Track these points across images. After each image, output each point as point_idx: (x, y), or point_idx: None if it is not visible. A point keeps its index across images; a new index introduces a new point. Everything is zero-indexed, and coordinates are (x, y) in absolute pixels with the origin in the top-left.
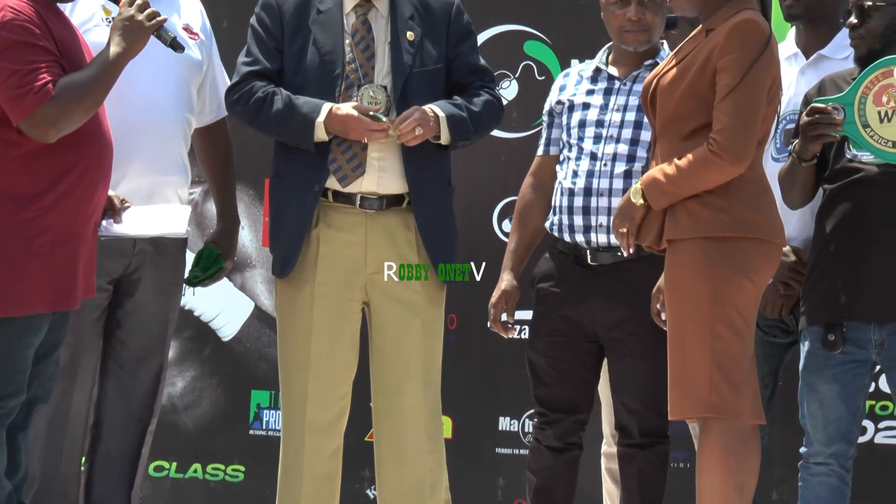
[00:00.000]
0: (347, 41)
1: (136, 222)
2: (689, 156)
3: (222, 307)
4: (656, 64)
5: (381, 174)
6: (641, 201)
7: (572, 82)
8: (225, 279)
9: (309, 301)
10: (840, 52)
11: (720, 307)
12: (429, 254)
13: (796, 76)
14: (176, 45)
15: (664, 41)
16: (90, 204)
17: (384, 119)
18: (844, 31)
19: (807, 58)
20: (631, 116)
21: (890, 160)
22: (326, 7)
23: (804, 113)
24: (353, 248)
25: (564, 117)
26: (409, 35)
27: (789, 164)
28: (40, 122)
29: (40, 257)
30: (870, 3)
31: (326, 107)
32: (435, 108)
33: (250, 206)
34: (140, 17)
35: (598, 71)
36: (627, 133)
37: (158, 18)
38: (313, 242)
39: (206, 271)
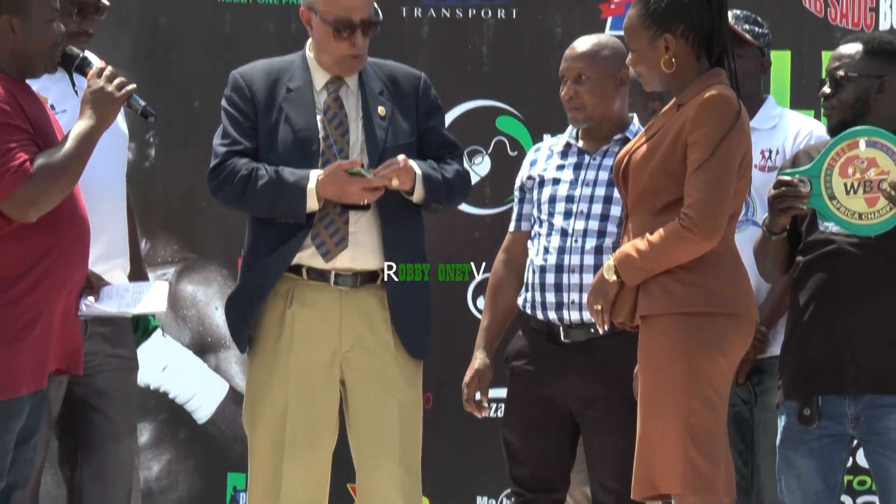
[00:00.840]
0: (320, 118)
1: (116, 301)
2: (661, 231)
3: (197, 389)
4: (626, 139)
5: (356, 249)
6: (615, 277)
7: (543, 157)
8: (199, 360)
9: (283, 382)
10: (768, 122)
11: (695, 382)
12: (398, 332)
13: None
14: (147, 114)
15: (634, 114)
16: (68, 283)
17: (369, 175)
18: (770, 102)
19: None
20: (601, 192)
21: (857, 232)
22: (296, 85)
23: (772, 186)
24: (328, 327)
25: (535, 192)
26: (381, 110)
27: (761, 239)
28: (20, 201)
29: (22, 339)
30: (842, 74)
31: (314, 173)
32: (413, 164)
33: (223, 287)
34: (110, 87)
35: (568, 146)
36: (597, 208)
37: (128, 88)
38: (287, 322)
39: (146, 333)
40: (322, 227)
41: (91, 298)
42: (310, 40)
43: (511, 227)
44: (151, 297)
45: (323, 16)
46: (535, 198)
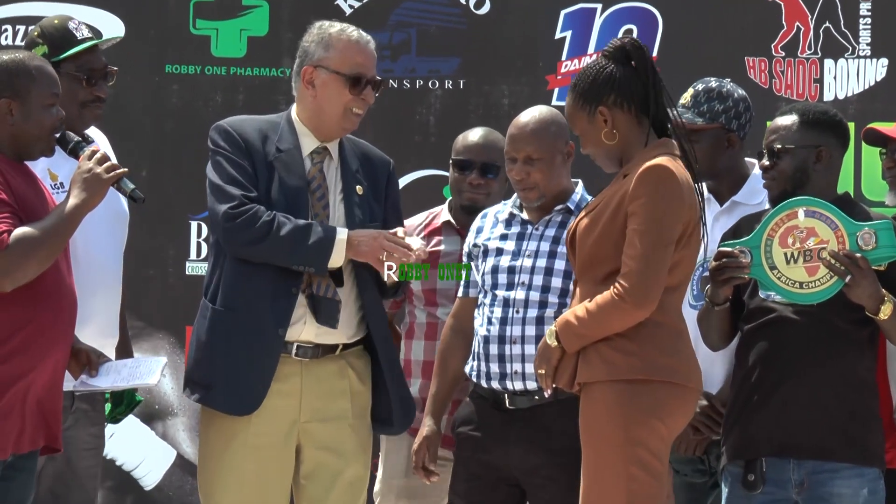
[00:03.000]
0: (306, 184)
1: (113, 376)
2: (598, 298)
3: (144, 456)
4: (568, 209)
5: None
6: (556, 343)
7: (488, 225)
8: (147, 427)
9: (242, 450)
10: (753, 197)
11: (633, 449)
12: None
13: (711, 223)
14: (135, 197)
15: (579, 181)
16: (47, 358)
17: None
18: (757, 175)
19: (720, 204)
20: (542, 262)
21: (799, 301)
22: (286, 147)
23: (713, 257)
24: (289, 398)
25: (480, 261)
26: (359, 189)
27: (704, 309)
28: None
29: None
30: (779, 146)
31: (344, 230)
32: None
33: (171, 354)
34: (99, 169)
35: (512, 215)
36: (539, 279)
37: (118, 171)
38: None
39: (129, 406)
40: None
41: (88, 373)
42: (295, 106)
43: (460, 293)
44: (146, 371)
45: (338, 69)
46: (480, 267)
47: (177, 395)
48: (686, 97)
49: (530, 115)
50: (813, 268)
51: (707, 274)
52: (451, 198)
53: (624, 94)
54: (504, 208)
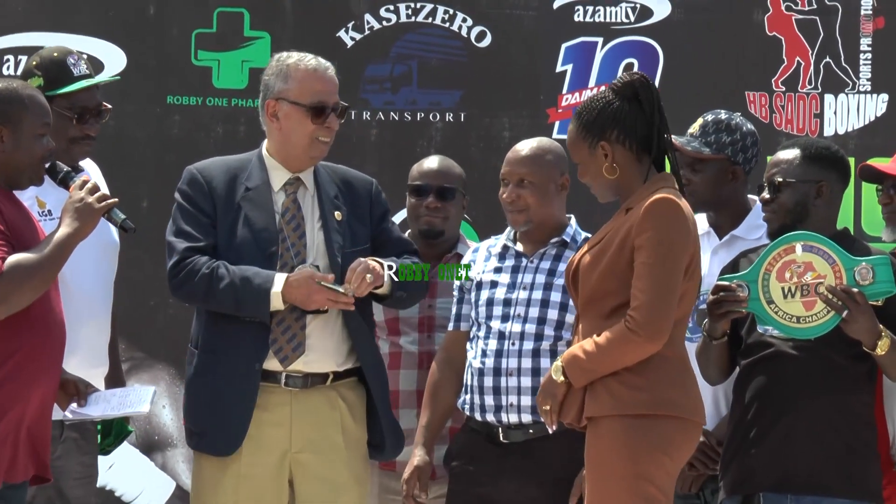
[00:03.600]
0: (278, 219)
1: (102, 405)
2: (608, 332)
3: (143, 487)
4: (563, 241)
5: (310, 353)
6: (562, 378)
7: (481, 258)
8: (146, 458)
9: (234, 482)
10: (754, 232)
11: (640, 484)
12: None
13: (709, 256)
14: (126, 227)
15: (572, 216)
16: (35, 387)
17: (339, 290)
18: (757, 210)
19: (719, 238)
20: (538, 295)
21: (795, 335)
22: (254, 184)
23: (710, 291)
24: (279, 428)
25: (473, 294)
26: (337, 215)
27: (702, 343)
28: None
29: None
30: (780, 180)
31: (280, 277)
32: (376, 260)
33: (171, 386)
34: (90, 199)
35: (505, 248)
36: (534, 312)
37: (109, 201)
38: None
39: (119, 437)
40: (279, 333)
41: (77, 403)
42: (266, 141)
43: (450, 326)
44: (136, 400)
45: (298, 100)
46: (473, 300)
47: (176, 426)
48: (695, 127)
49: (529, 142)
50: (810, 302)
51: (704, 307)
52: (409, 229)
53: (627, 132)
54: (497, 242)
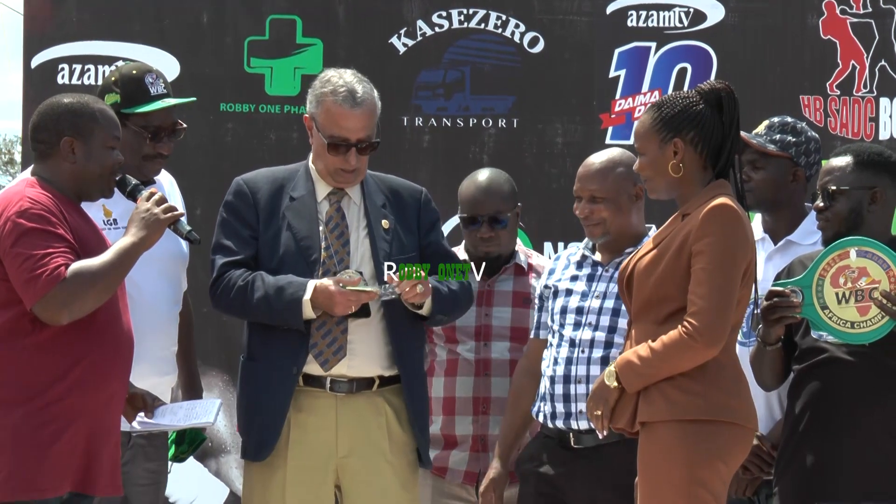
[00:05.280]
0: (322, 227)
1: (169, 417)
2: (664, 338)
3: (198, 493)
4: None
5: (353, 357)
6: (615, 384)
7: (560, 266)
8: (200, 465)
9: (281, 486)
10: (809, 237)
11: (695, 490)
12: (415, 433)
13: (764, 261)
14: (191, 238)
15: (652, 226)
16: (102, 395)
17: (368, 289)
18: (813, 216)
19: (774, 243)
20: (610, 304)
21: (850, 341)
22: (299, 194)
23: (764, 296)
24: (325, 433)
25: (549, 302)
26: (384, 223)
27: (756, 349)
28: (52, 303)
29: (49, 445)
30: (834, 188)
31: (311, 284)
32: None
33: (224, 392)
34: (157, 210)
35: (584, 257)
36: (605, 320)
37: (174, 213)
38: (284, 427)
39: (192, 445)
40: (320, 338)
41: (144, 415)
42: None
43: (531, 334)
44: (202, 412)
45: (321, 130)
46: (549, 307)
47: (230, 432)
48: (760, 127)
49: (600, 155)
50: (864, 307)
51: (759, 312)
52: (464, 242)
53: (704, 137)
54: (577, 250)
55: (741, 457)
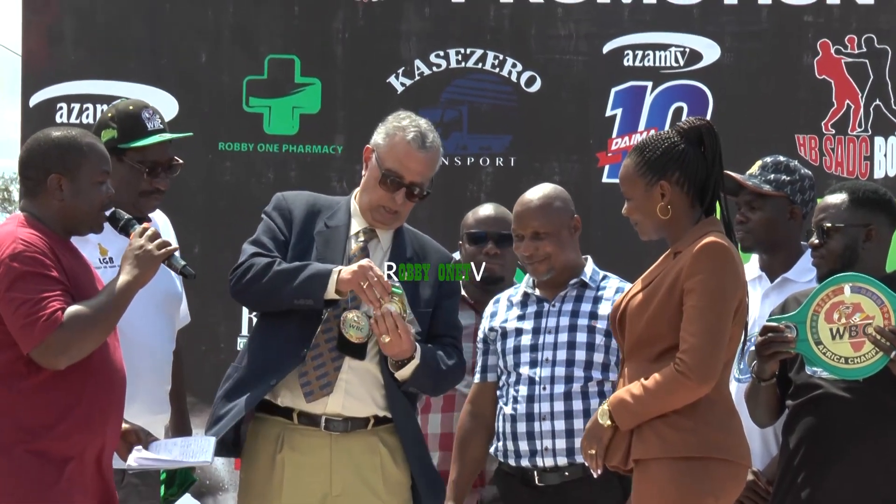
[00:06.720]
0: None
1: (165, 454)
2: (657, 376)
3: None
4: (582, 282)
5: (348, 397)
6: (609, 422)
7: (502, 308)
8: (197, 502)
9: None
10: (805, 275)
11: None
12: (415, 472)
13: (760, 299)
14: (186, 273)
15: (588, 257)
16: (100, 434)
17: (401, 292)
18: (809, 254)
19: (771, 281)
20: (563, 337)
21: (844, 376)
22: (334, 224)
23: (758, 332)
24: (319, 473)
25: (499, 344)
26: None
27: (751, 385)
28: (50, 349)
29: (51, 485)
30: (829, 225)
31: (338, 267)
32: (418, 348)
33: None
34: (150, 246)
35: (526, 295)
36: (562, 354)
37: (168, 248)
38: (278, 467)
39: (182, 486)
40: (311, 368)
41: (140, 452)
42: (359, 188)
43: (476, 378)
44: (198, 450)
45: (381, 161)
46: (500, 349)
47: (227, 470)
48: (754, 168)
49: (535, 191)
50: (858, 343)
51: (753, 349)
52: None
53: (689, 176)
54: (516, 291)
55: (735, 493)
